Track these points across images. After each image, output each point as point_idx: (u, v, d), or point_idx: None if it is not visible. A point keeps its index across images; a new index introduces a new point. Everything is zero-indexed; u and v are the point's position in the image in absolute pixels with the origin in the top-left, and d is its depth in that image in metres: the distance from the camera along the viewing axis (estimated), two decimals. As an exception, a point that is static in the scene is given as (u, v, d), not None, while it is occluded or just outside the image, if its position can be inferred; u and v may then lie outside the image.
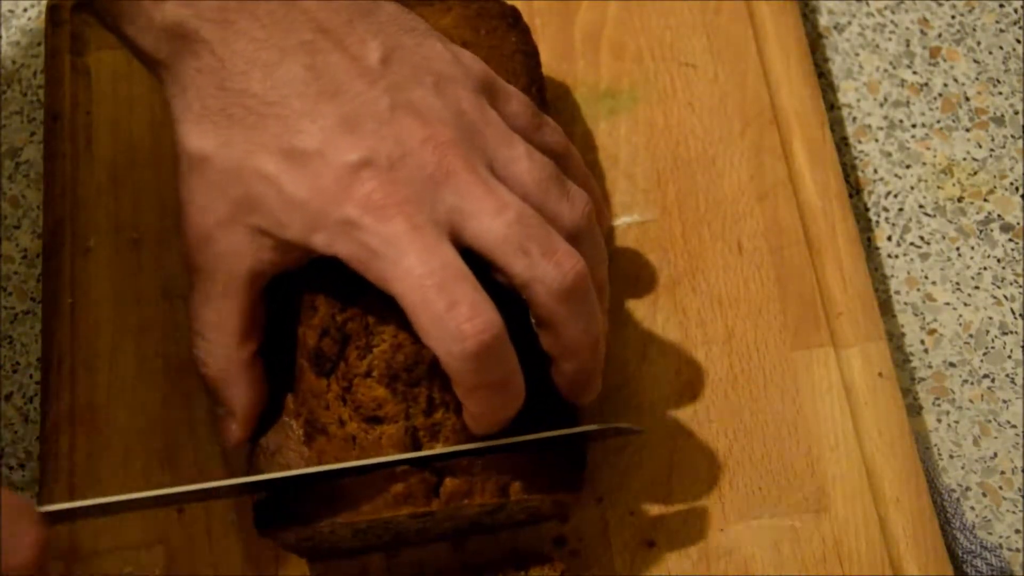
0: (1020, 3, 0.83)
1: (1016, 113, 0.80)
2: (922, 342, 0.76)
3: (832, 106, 0.81)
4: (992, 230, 0.78)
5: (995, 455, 0.73)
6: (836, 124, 0.80)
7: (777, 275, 0.74)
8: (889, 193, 0.79)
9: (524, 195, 0.62)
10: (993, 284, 0.76)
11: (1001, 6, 0.83)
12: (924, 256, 0.77)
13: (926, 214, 0.78)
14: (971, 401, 0.74)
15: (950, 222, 0.78)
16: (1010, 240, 0.77)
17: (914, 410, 0.74)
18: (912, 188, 0.79)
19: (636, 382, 0.72)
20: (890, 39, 0.82)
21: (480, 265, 0.61)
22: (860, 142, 0.80)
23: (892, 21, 0.83)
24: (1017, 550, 0.72)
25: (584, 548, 0.69)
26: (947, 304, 0.76)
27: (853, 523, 0.69)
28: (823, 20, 0.83)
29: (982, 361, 0.75)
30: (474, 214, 0.60)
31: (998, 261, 0.77)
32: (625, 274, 0.74)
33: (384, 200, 0.60)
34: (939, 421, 0.74)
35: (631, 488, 0.70)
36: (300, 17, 0.62)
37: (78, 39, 0.80)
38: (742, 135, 0.77)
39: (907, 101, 0.81)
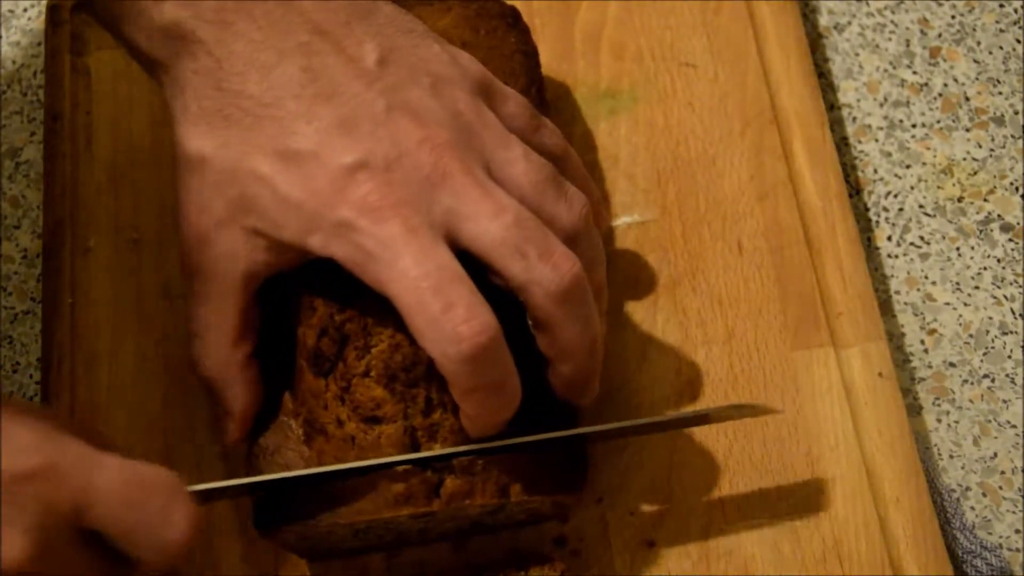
0: (1020, 3, 0.83)
1: (1016, 113, 0.80)
2: (922, 342, 0.76)
3: (832, 106, 0.81)
4: (992, 230, 0.78)
5: (995, 455, 0.73)
6: (836, 124, 0.80)
7: (777, 275, 0.74)
8: (889, 193, 0.79)
9: (521, 197, 0.62)
10: (993, 284, 0.76)
11: (1001, 6, 0.83)
12: (924, 256, 0.77)
13: (926, 214, 0.78)
14: (971, 401, 0.74)
15: (950, 222, 0.78)
16: (1010, 240, 0.77)
17: (914, 410, 0.74)
18: (912, 188, 0.79)
19: (636, 382, 0.72)
20: (890, 39, 0.82)
21: (476, 267, 0.61)
22: (860, 142, 0.80)
23: (892, 21, 0.83)
24: (1017, 550, 0.72)
25: (584, 548, 0.69)
26: (947, 304, 0.76)
27: (853, 523, 0.69)
28: (823, 20, 0.83)
29: (982, 361, 0.75)
30: (470, 216, 0.60)
31: (998, 261, 0.77)
32: (625, 274, 0.74)
33: (380, 202, 0.60)
34: (939, 421, 0.74)
35: (631, 488, 0.70)
36: (297, 19, 0.62)
37: (78, 39, 0.80)
38: (742, 135, 0.77)
39: (907, 101, 0.81)
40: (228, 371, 0.65)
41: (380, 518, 0.63)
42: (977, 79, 0.81)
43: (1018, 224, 0.78)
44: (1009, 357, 0.75)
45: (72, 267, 0.75)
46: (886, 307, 0.76)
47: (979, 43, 0.82)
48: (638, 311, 0.74)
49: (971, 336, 0.76)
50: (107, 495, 0.54)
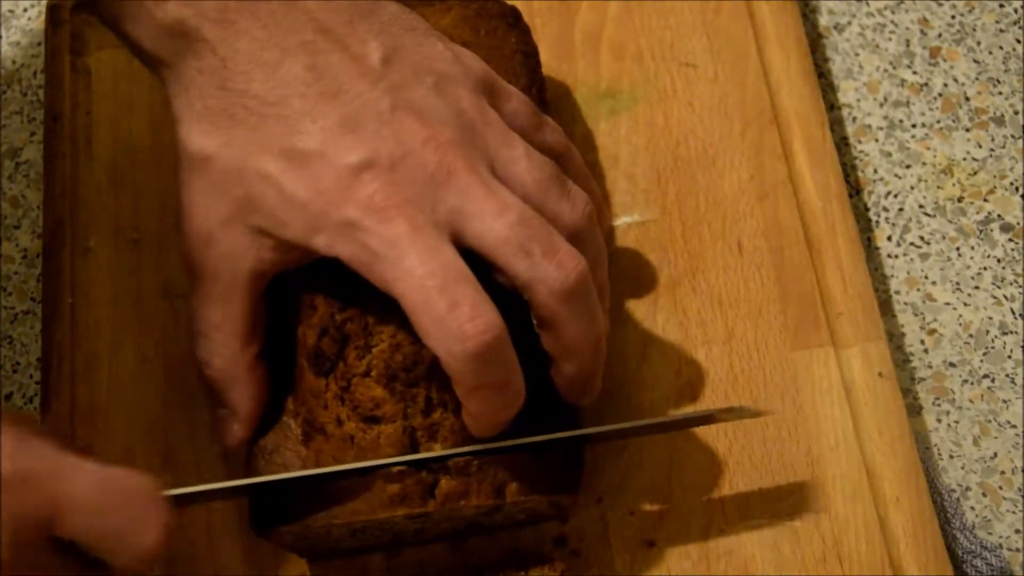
0: (1020, 3, 0.83)
1: (1016, 113, 0.80)
2: (922, 342, 0.76)
3: (832, 106, 0.81)
4: (992, 230, 0.78)
5: (995, 455, 0.73)
6: (836, 124, 0.80)
7: (777, 275, 0.74)
8: (889, 193, 0.79)
9: (524, 195, 0.62)
10: (993, 284, 0.76)
11: (1001, 6, 0.83)
12: (924, 256, 0.77)
13: (926, 214, 0.78)
14: (971, 401, 0.74)
15: (950, 222, 0.78)
16: (1010, 240, 0.77)
17: (914, 410, 0.74)
18: (912, 188, 0.79)
19: (636, 382, 0.72)
20: (890, 39, 0.82)
21: (481, 266, 0.61)
22: (860, 142, 0.80)
23: (892, 21, 0.83)
24: (1017, 550, 0.72)
25: (584, 548, 0.69)
26: (947, 304, 0.76)
27: (853, 523, 0.69)
28: (823, 20, 0.83)
29: (982, 361, 0.75)
30: (475, 215, 0.60)
31: (998, 261, 0.77)
32: (625, 274, 0.74)
33: (385, 201, 0.60)
34: (939, 421, 0.74)
35: (631, 488, 0.70)
36: (301, 17, 0.62)
37: (78, 39, 0.80)
38: (742, 135, 0.77)
39: (907, 101, 0.81)
40: (236, 371, 0.65)
41: (375, 519, 0.63)
42: (977, 79, 0.81)
43: (1018, 224, 0.78)
44: (1009, 357, 0.75)
45: (72, 267, 0.75)
46: (886, 307, 0.76)
47: (979, 43, 0.82)
48: (638, 311, 0.74)
49: (971, 336, 0.76)
50: (80, 502, 0.54)
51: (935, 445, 0.74)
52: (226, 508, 0.70)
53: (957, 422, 0.74)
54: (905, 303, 0.76)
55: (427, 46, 0.64)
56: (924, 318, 0.76)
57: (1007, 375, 0.75)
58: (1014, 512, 0.72)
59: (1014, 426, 0.74)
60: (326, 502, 0.63)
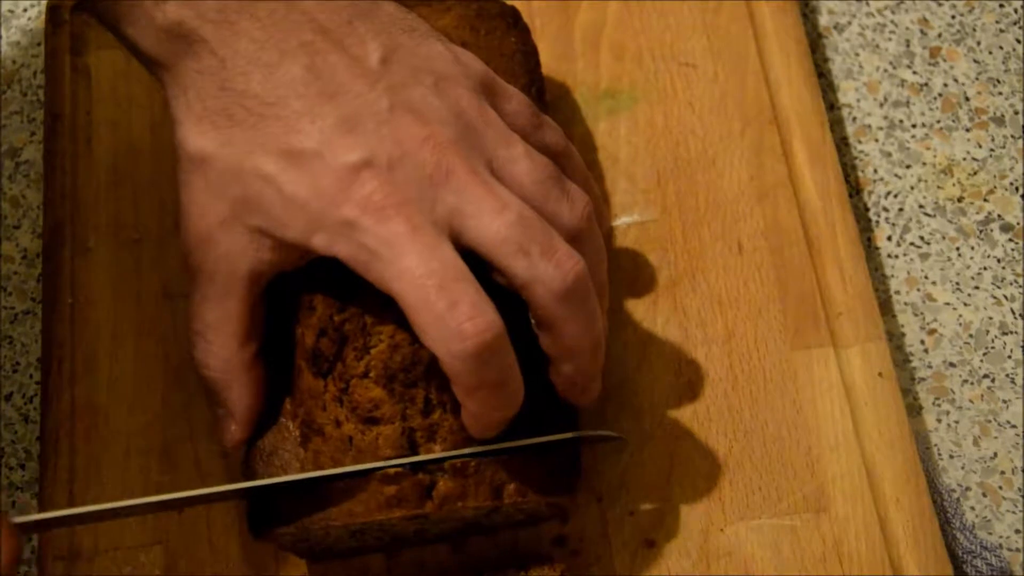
0: (1020, 3, 0.83)
1: (1016, 113, 0.80)
2: (922, 342, 0.76)
3: (832, 106, 0.81)
4: (992, 230, 0.78)
5: (995, 455, 0.73)
6: (836, 124, 0.80)
7: (777, 275, 0.74)
8: (889, 193, 0.79)
9: (523, 195, 0.62)
10: (993, 284, 0.76)
11: (1001, 6, 0.83)
12: (924, 256, 0.77)
13: (926, 214, 0.78)
14: (971, 401, 0.74)
15: (950, 222, 0.78)
16: (1010, 240, 0.77)
17: (914, 410, 0.74)
18: (912, 188, 0.79)
19: (636, 382, 0.72)
20: (890, 39, 0.82)
21: (479, 266, 0.61)
22: (860, 142, 0.80)
23: (892, 21, 0.83)
24: (1017, 550, 0.72)
25: (584, 548, 0.69)
26: (947, 304, 0.76)
27: (853, 523, 0.69)
28: (823, 20, 0.83)
29: (982, 361, 0.75)
30: (474, 214, 0.60)
31: (998, 261, 0.77)
32: (625, 274, 0.74)
33: (383, 201, 0.60)
34: (939, 421, 0.74)
35: (631, 488, 0.70)
36: (300, 18, 0.62)
37: (78, 39, 0.80)
38: (742, 135, 0.77)
39: (907, 101, 0.81)
40: (232, 371, 0.65)
41: (373, 520, 0.63)
42: (977, 79, 0.81)
43: (1018, 224, 0.78)
44: (1009, 357, 0.75)
45: (72, 267, 0.75)
46: (886, 307, 0.76)
47: (979, 43, 0.82)
48: (638, 311, 0.74)
49: (971, 336, 0.76)
50: None
51: (935, 445, 0.74)
52: (226, 508, 0.70)
53: (957, 422, 0.74)
54: (905, 303, 0.76)
55: (426, 46, 0.64)
56: (924, 318, 0.76)
57: (1007, 375, 0.75)
58: (1014, 512, 0.72)
59: (1014, 426, 0.74)
60: (324, 504, 0.63)
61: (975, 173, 0.79)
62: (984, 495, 0.73)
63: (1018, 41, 0.82)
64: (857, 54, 0.82)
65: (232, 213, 0.62)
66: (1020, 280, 0.76)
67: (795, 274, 0.74)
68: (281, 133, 0.61)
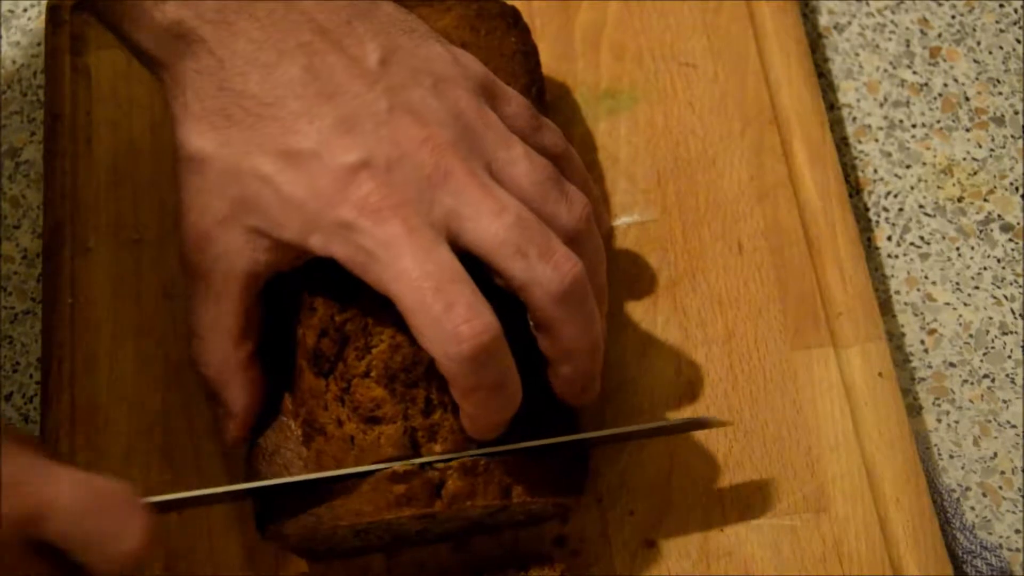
0: (1020, 3, 0.83)
1: (1016, 113, 0.80)
2: (922, 342, 0.76)
3: (832, 106, 0.81)
4: (992, 230, 0.78)
5: (995, 455, 0.73)
6: (836, 124, 0.80)
7: (777, 275, 0.74)
8: (889, 193, 0.79)
9: (522, 197, 0.62)
10: (993, 284, 0.76)
11: (1001, 6, 0.83)
12: (924, 256, 0.77)
13: (926, 214, 0.78)
14: (971, 401, 0.74)
15: (950, 222, 0.78)
16: (1010, 240, 0.77)
17: (914, 410, 0.74)
18: (912, 188, 0.79)
19: (636, 382, 0.72)
20: (890, 39, 0.82)
21: (477, 268, 0.61)
22: (860, 142, 0.80)
23: (892, 21, 0.83)
24: (1017, 550, 0.72)
25: (584, 548, 0.69)
26: (947, 304, 0.76)
27: (853, 523, 0.69)
28: (823, 20, 0.83)
29: (982, 361, 0.75)
30: (472, 216, 0.60)
31: (998, 261, 0.77)
32: (625, 274, 0.74)
33: (381, 202, 0.60)
34: (939, 421, 0.74)
35: (631, 488, 0.70)
36: (299, 18, 0.62)
37: (78, 39, 0.80)
38: (742, 135, 0.77)
39: (907, 101, 0.81)
40: (229, 371, 0.65)
41: (382, 519, 0.63)
42: (977, 79, 0.81)
43: (1018, 224, 0.78)
44: (1009, 357, 0.75)
45: (72, 267, 0.75)
46: (886, 307, 0.76)
47: (979, 43, 0.82)
48: (638, 311, 0.74)
49: (971, 336, 0.76)
50: (61, 507, 0.55)
51: (935, 445, 0.74)
52: (226, 508, 0.70)
53: (957, 422, 0.74)
54: (905, 303, 0.76)
55: (425, 47, 0.64)
56: (924, 318, 0.76)
57: (1007, 375, 0.75)
58: (1014, 512, 0.72)
59: (1014, 426, 0.74)
60: (332, 503, 0.63)
61: (975, 173, 0.79)
62: (984, 495, 0.73)
63: (1018, 41, 0.82)
64: (857, 54, 0.82)
65: (230, 213, 0.62)
66: (1020, 280, 0.76)
67: (795, 274, 0.74)
68: (279, 133, 0.61)
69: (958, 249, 0.77)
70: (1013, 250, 0.77)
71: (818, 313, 0.73)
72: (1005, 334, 0.75)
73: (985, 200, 0.78)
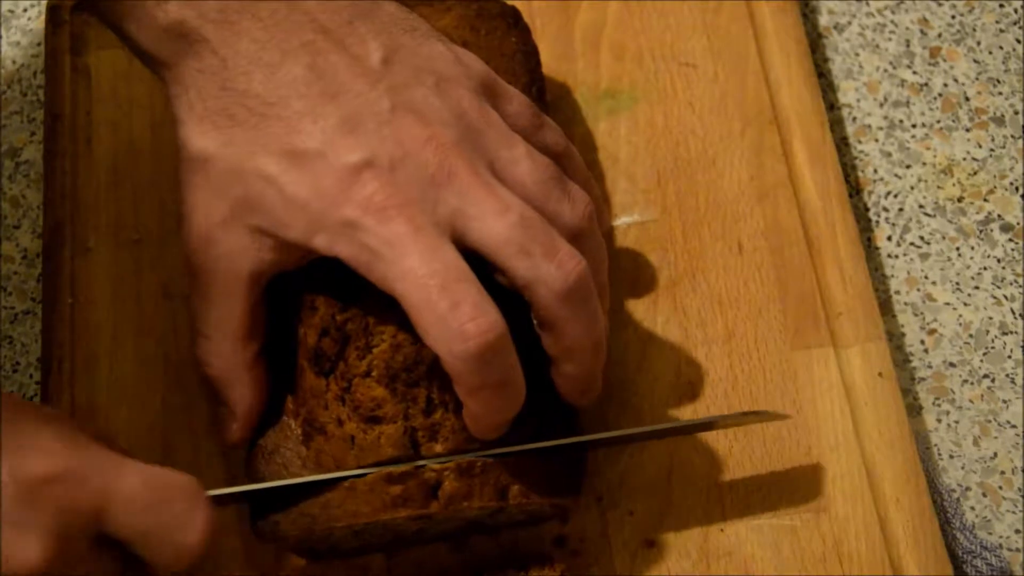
0: (1020, 3, 0.83)
1: (1016, 113, 0.80)
2: (922, 342, 0.76)
3: (832, 106, 0.81)
4: (992, 230, 0.78)
5: (995, 455, 0.73)
6: (836, 124, 0.80)
7: (777, 275, 0.74)
8: (889, 193, 0.79)
9: (525, 196, 0.62)
10: (993, 284, 0.76)
11: (1001, 6, 0.83)
12: (924, 256, 0.77)
13: (926, 214, 0.78)
14: (971, 401, 0.74)
15: (950, 222, 0.78)
16: (1010, 240, 0.77)
17: (914, 410, 0.74)
18: (912, 188, 0.79)
19: (636, 382, 0.72)
20: (890, 39, 0.82)
21: (481, 267, 0.61)
22: (860, 142, 0.80)
23: (892, 21, 0.83)
24: (1017, 550, 0.72)
25: (584, 548, 0.69)
26: (947, 304, 0.76)
27: (853, 523, 0.69)
28: (823, 20, 0.83)
29: (982, 361, 0.75)
30: (476, 216, 0.60)
31: (998, 261, 0.77)
32: (625, 274, 0.74)
33: (385, 201, 0.60)
34: (939, 421, 0.74)
35: (631, 488, 0.70)
36: (301, 18, 0.62)
37: (78, 39, 0.80)
38: (742, 135, 0.77)
39: (907, 101, 0.81)
40: (234, 371, 0.65)
41: (378, 520, 0.63)
42: (977, 79, 0.81)
43: (1018, 224, 0.78)
44: (1009, 357, 0.75)
45: (72, 267, 0.75)
46: (886, 307, 0.76)
47: (979, 43, 0.82)
48: (638, 311, 0.74)
49: (971, 336, 0.76)
50: (127, 500, 0.55)
51: (935, 445, 0.74)
52: (226, 508, 0.70)
53: (957, 422, 0.74)
54: (905, 303, 0.76)
55: (427, 47, 0.64)
56: (924, 318, 0.76)
57: (1007, 375, 0.75)
58: (1014, 512, 0.72)
59: (1014, 426, 0.74)
60: (328, 504, 0.63)
61: (975, 173, 0.79)
62: (984, 495, 0.73)
63: (1018, 41, 0.82)
64: (857, 54, 0.82)
65: (233, 213, 0.62)
66: (1020, 280, 0.76)
67: (795, 274, 0.74)
68: (283, 133, 0.61)
69: (958, 249, 0.77)
70: (1013, 250, 0.77)
71: (818, 313, 0.73)
72: (1005, 334, 0.75)
73: (985, 200, 0.78)
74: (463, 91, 0.63)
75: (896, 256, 0.77)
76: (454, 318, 0.58)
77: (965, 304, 0.76)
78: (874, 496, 0.69)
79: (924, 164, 0.79)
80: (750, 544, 0.69)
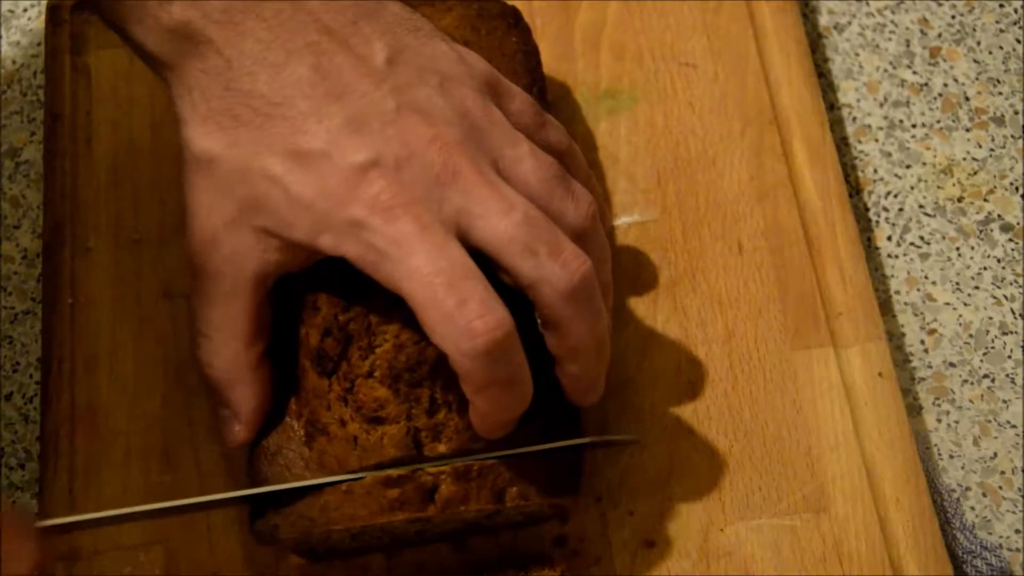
0: (1020, 3, 0.83)
1: (1016, 113, 0.80)
2: (922, 342, 0.76)
3: (832, 106, 0.81)
4: (992, 230, 0.78)
5: (995, 455, 0.73)
6: (836, 124, 0.80)
7: (777, 275, 0.74)
8: (889, 193, 0.79)
9: (529, 194, 0.62)
10: (993, 284, 0.77)
11: (1001, 6, 0.83)
12: (924, 256, 0.77)
13: (926, 214, 0.78)
14: (971, 401, 0.74)
15: (950, 222, 0.78)
16: (1010, 240, 0.77)
17: (914, 410, 0.74)
18: (912, 188, 0.79)
19: (636, 382, 0.72)
20: (890, 39, 0.82)
21: (485, 266, 0.61)
22: (860, 142, 0.80)
23: (892, 21, 0.83)
24: (1017, 550, 0.72)
25: (584, 548, 0.69)
26: (947, 304, 0.76)
27: (853, 523, 0.69)
28: (823, 20, 0.83)
29: (982, 361, 0.75)
30: (481, 215, 0.60)
31: (998, 261, 0.77)
32: (625, 274, 0.74)
33: (391, 201, 0.60)
34: (939, 421, 0.74)
35: (631, 488, 0.70)
36: (306, 18, 0.62)
37: (78, 39, 0.80)
38: (742, 135, 0.77)
39: (907, 101, 0.81)
40: (238, 372, 0.65)
41: (375, 523, 0.63)
42: (977, 79, 0.81)
43: (1018, 224, 0.78)
44: (1009, 357, 0.75)
45: (72, 267, 0.75)
46: (886, 307, 0.76)
47: (979, 43, 0.82)
48: (638, 311, 0.74)
49: (971, 336, 0.76)
50: None
51: (935, 445, 0.74)
52: (226, 509, 0.70)
53: (957, 422, 0.74)
54: (905, 303, 0.76)
55: (431, 46, 0.64)
56: (924, 318, 0.76)
57: (1007, 375, 0.75)
58: (1014, 512, 0.72)
59: (1014, 426, 0.74)
60: (326, 506, 0.63)
61: (975, 173, 0.79)
62: (984, 495, 0.73)
63: (1018, 41, 0.82)
64: (857, 54, 0.82)
65: (238, 214, 0.62)
66: (1020, 280, 0.76)
67: (795, 274, 0.74)
68: (288, 133, 0.61)
69: (958, 249, 0.77)
70: (1013, 250, 0.77)
71: (818, 313, 0.73)
72: (1005, 334, 0.75)
73: (985, 200, 0.78)
74: (467, 90, 0.63)
75: (896, 256, 0.77)
76: (461, 315, 0.58)
77: (965, 304, 0.76)
78: (874, 496, 0.69)
79: (924, 164, 0.79)
80: (750, 544, 0.69)
